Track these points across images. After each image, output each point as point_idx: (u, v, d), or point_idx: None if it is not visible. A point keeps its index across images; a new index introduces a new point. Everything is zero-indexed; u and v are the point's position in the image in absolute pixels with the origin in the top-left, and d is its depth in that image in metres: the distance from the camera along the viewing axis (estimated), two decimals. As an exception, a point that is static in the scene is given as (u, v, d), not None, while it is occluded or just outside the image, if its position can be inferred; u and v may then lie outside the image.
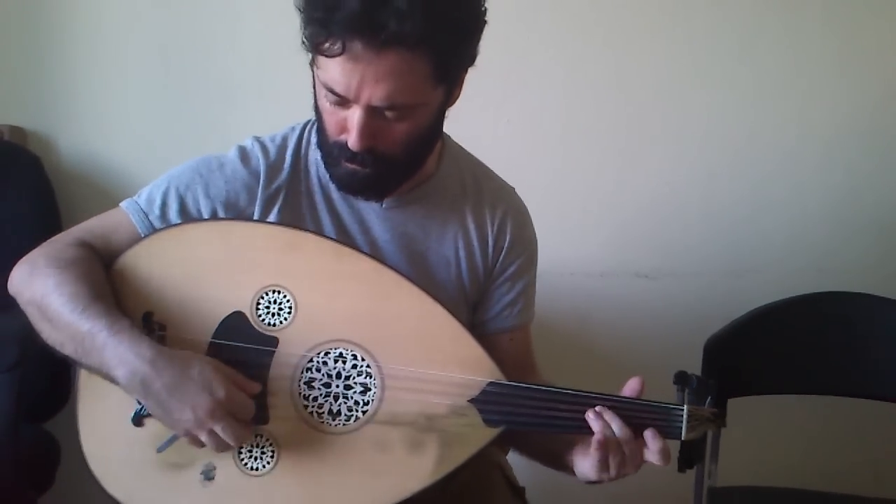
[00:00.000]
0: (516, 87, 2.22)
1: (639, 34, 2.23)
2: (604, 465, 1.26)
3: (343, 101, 1.24)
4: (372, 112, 1.23)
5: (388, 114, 1.24)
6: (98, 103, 2.23)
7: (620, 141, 2.26)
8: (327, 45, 1.18)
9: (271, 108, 2.20)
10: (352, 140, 1.25)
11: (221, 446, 1.21)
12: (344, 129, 1.27)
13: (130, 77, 2.23)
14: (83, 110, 2.23)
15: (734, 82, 2.24)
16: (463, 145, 1.52)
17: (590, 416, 1.25)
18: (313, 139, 1.43)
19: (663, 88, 2.24)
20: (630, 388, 1.29)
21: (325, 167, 1.38)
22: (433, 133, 1.36)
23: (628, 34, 2.24)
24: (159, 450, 1.27)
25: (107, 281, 1.31)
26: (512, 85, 2.22)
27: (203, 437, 1.20)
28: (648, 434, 1.25)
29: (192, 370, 1.20)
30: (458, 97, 1.35)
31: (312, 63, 1.27)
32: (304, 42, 1.24)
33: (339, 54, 1.18)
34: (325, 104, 1.27)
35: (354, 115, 1.23)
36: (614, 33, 2.24)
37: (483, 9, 1.26)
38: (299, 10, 1.22)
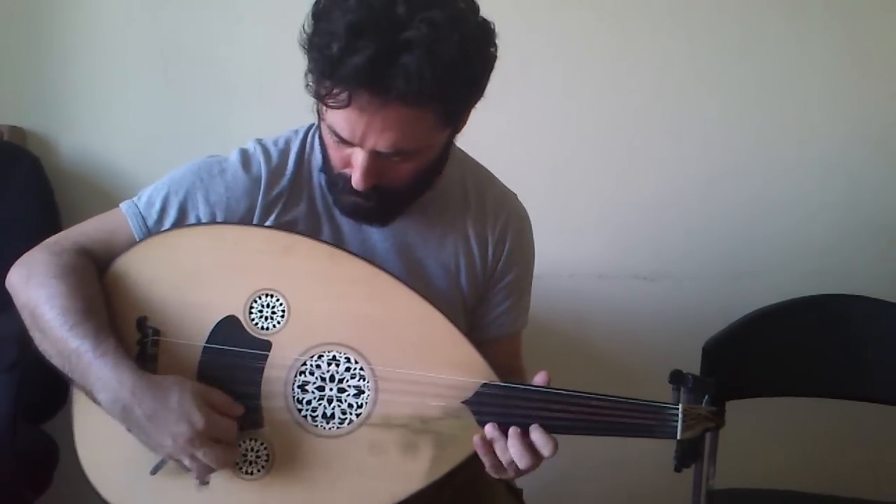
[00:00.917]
0: (517, 88, 2.21)
1: (640, 36, 2.23)
2: (497, 467, 1.27)
3: (346, 141, 1.23)
4: (377, 155, 1.23)
5: (394, 158, 1.24)
6: (98, 104, 2.23)
7: (621, 143, 2.26)
8: (332, 96, 1.17)
9: (271, 108, 2.19)
10: (355, 180, 1.25)
11: (205, 471, 1.23)
12: (348, 163, 1.27)
13: (130, 77, 2.23)
14: (83, 111, 2.23)
15: (735, 84, 2.24)
16: (463, 147, 1.51)
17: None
18: (317, 143, 1.43)
19: (664, 90, 2.24)
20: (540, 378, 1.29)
21: (329, 190, 1.38)
22: (440, 164, 1.36)
23: (629, 35, 2.23)
24: (153, 472, 1.27)
25: (100, 293, 1.31)
26: (512, 86, 2.21)
27: (186, 462, 1.22)
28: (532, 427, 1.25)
29: (170, 399, 1.21)
30: (465, 125, 1.34)
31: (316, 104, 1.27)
32: (307, 86, 1.22)
33: (345, 106, 1.17)
34: (329, 140, 1.27)
35: (358, 157, 1.23)
36: (615, 34, 2.24)
37: (493, 50, 1.24)
38: (303, 48, 1.21)
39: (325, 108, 1.21)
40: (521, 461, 1.24)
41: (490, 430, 1.25)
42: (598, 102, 2.25)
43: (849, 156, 2.26)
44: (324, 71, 1.16)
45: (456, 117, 1.27)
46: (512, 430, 1.24)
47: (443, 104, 1.19)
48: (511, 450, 1.24)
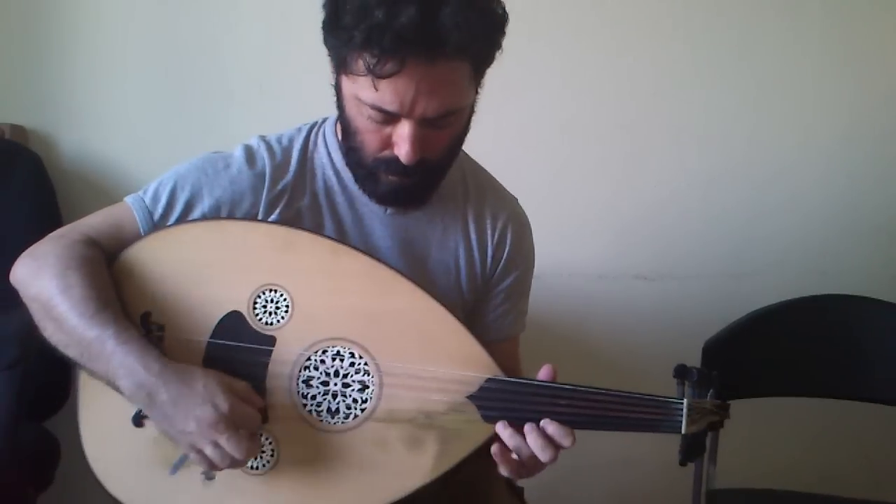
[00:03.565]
0: (516, 89, 2.22)
1: (639, 37, 2.24)
2: (516, 468, 1.27)
3: (389, 118, 1.24)
4: (422, 123, 1.23)
5: (438, 122, 1.24)
6: (99, 102, 2.23)
7: (620, 143, 2.27)
8: (379, 65, 1.17)
9: (271, 107, 2.20)
10: (405, 154, 1.25)
11: (227, 460, 1.20)
12: (387, 144, 1.27)
13: (131, 75, 2.23)
14: (84, 109, 2.22)
15: (734, 84, 2.25)
16: (463, 147, 1.52)
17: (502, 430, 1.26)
18: (321, 141, 1.44)
19: (663, 91, 2.25)
20: (544, 373, 1.29)
21: (360, 184, 1.38)
22: (467, 131, 1.37)
23: (628, 36, 2.24)
24: (172, 472, 1.27)
25: (112, 284, 1.30)
26: (512, 87, 2.21)
27: (208, 451, 1.20)
28: (543, 422, 1.25)
29: (196, 384, 1.20)
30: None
31: (338, 85, 1.27)
32: (340, 65, 1.23)
33: (396, 72, 1.17)
34: (366, 124, 1.26)
35: (405, 130, 1.23)
36: (614, 35, 2.24)
37: (503, 2, 1.27)
38: (326, 31, 1.22)
39: (364, 81, 1.20)
40: (543, 454, 1.23)
41: (501, 428, 1.25)
42: (597, 102, 2.26)
43: (847, 155, 2.27)
44: (367, 39, 1.16)
45: (482, 74, 1.28)
46: (528, 427, 1.24)
47: (480, 55, 1.22)
48: (532, 445, 1.23)
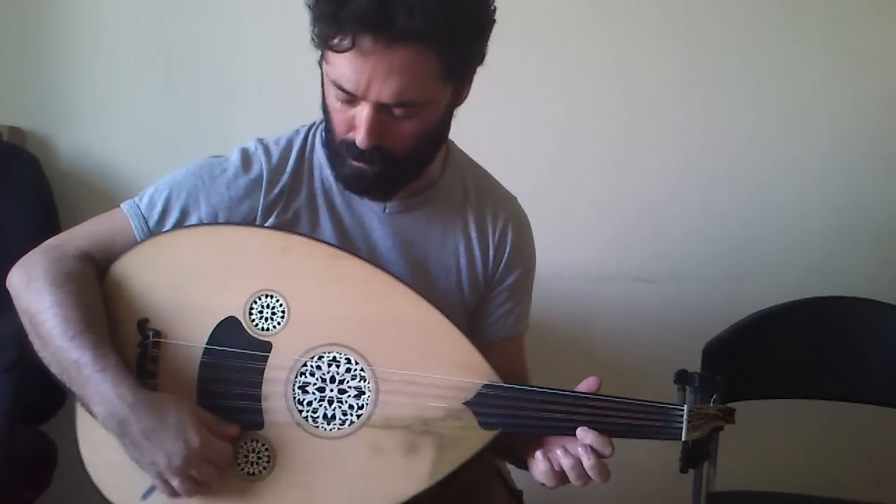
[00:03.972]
0: (517, 88, 2.21)
1: (639, 38, 2.23)
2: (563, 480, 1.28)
3: (352, 99, 1.23)
4: (380, 109, 1.23)
5: (397, 111, 1.23)
6: (97, 104, 2.23)
7: (620, 144, 2.26)
8: (336, 40, 1.18)
9: (271, 109, 2.20)
10: (359, 137, 1.24)
11: (193, 492, 1.22)
12: (352, 127, 1.26)
13: (129, 77, 2.23)
14: (82, 111, 2.22)
15: (735, 86, 2.24)
16: (463, 148, 1.51)
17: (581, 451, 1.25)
18: (318, 142, 1.43)
19: (664, 92, 2.24)
20: (587, 385, 1.28)
21: (331, 166, 1.38)
22: (441, 132, 1.36)
23: (629, 38, 2.23)
24: (143, 497, 1.27)
25: (101, 300, 1.30)
26: (512, 87, 2.21)
27: (175, 483, 1.21)
28: (579, 431, 1.24)
29: (169, 417, 1.21)
30: (466, 96, 1.34)
31: (321, 61, 1.27)
32: (313, 39, 1.24)
33: (349, 49, 1.18)
34: (334, 102, 1.27)
35: (363, 113, 1.23)
36: (615, 36, 2.24)
37: (493, 7, 1.26)
38: (308, 6, 1.22)
39: (329, 56, 1.21)
40: (601, 479, 1.25)
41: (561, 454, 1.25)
42: (598, 103, 2.25)
43: (848, 156, 2.26)
44: (328, 14, 1.18)
45: (457, 72, 1.26)
46: (581, 450, 1.23)
47: (445, 47, 1.20)
48: (589, 469, 1.24)
